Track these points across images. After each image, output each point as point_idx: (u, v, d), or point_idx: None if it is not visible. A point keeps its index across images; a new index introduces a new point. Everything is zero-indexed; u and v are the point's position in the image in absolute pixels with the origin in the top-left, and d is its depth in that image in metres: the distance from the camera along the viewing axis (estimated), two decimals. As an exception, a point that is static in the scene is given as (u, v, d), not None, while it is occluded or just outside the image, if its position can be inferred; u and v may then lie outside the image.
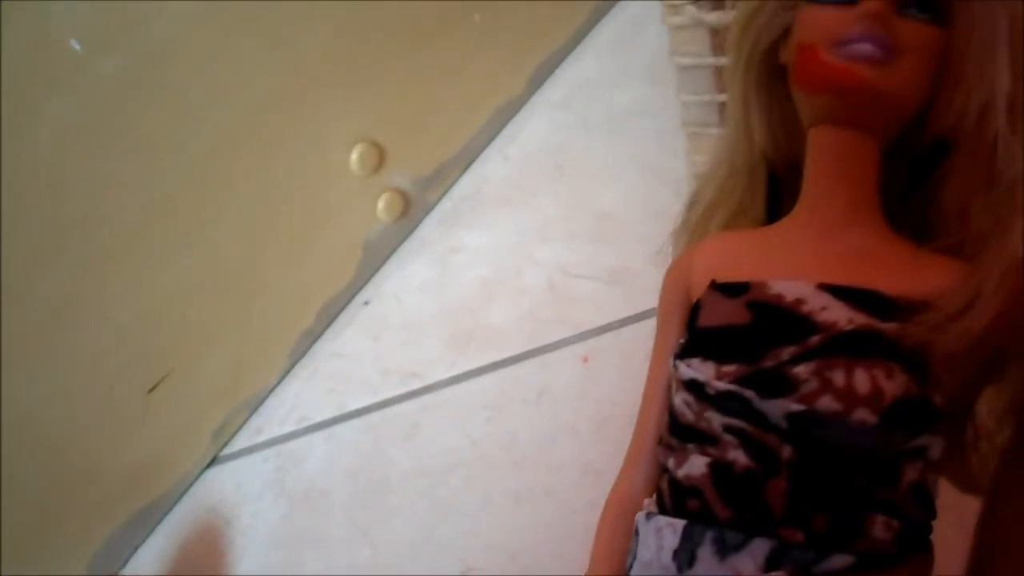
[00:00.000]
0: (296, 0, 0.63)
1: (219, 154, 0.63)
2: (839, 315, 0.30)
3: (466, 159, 0.78)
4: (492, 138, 0.79)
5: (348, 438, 0.67)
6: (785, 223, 0.35)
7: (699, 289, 0.35)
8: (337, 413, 0.69)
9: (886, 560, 0.29)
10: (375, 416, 0.68)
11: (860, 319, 0.30)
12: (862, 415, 0.29)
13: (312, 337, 0.73)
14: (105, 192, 0.59)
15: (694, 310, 0.34)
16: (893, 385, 0.29)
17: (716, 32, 0.60)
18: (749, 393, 0.30)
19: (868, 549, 0.29)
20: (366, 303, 0.74)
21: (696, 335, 0.33)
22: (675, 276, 0.37)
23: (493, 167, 0.78)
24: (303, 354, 0.72)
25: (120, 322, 0.62)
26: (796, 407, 0.30)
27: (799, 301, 0.31)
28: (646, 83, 0.77)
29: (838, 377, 0.30)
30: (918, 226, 0.35)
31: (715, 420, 0.31)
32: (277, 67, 0.64)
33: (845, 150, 0.33)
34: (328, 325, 0.73)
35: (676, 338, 0.35)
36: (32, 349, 0.58)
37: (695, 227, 0.40)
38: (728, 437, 0.31)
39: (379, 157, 0.71)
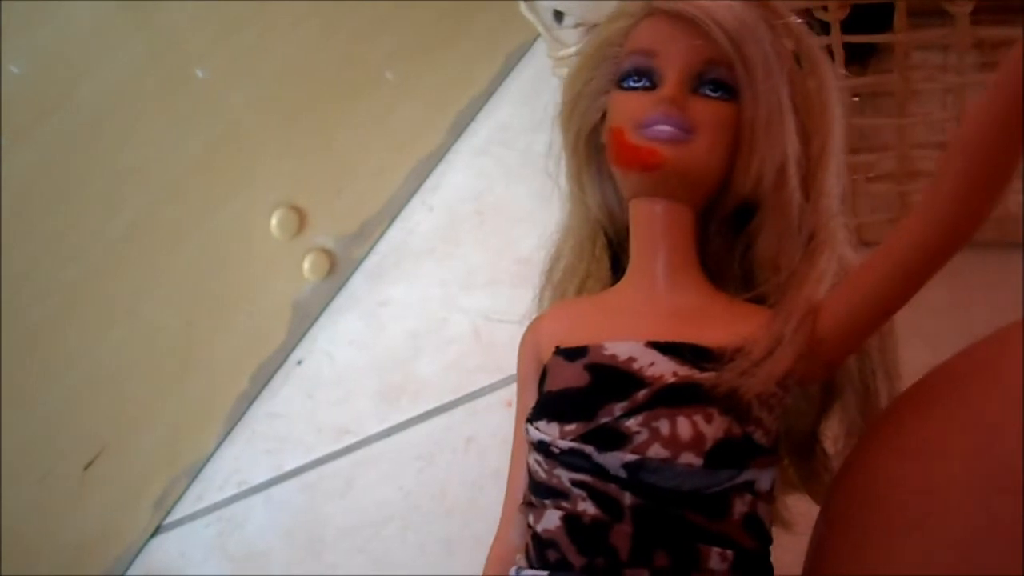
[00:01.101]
0: (202, 78, 0.65)
1: (139, 230, 0.65)
2: (665, 369, 0.33)
3: (390, 213, 0.79)
4: (415, 190, 0.80)
5: (285, 498, 0.68)
6: (619, 288, 0.38)
7: (547, 355, 0.37)
8: (274, 474, 0.70)
9: None
10: (311, 474, 0.69)
11: (683, 371, 0.33)
12: (688, 458, 0.32)
13: (248, 400, 0.74)
14: (28, 275, 0.60)
15: (543, 376, 0.37)
16: (713, 429, 0.32)
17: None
18: (589, 448, 0.33)
19: None
20: (299, 362, 0.75)
21: (543, 399, 0.36)
22: (527, 344, 0.40)
23: (418, 219, 0.79)
24: (240, 417, 0.74)
25: (51, 403, 0.63)
26: (630, 457, 0.32)
27: (630, 359, 0.34)
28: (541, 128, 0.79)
29: (664, 426, 0.32)
30: (741, 278, 0.38)
31: (564, 476, 0.34)
32: (189, 142, 0.66)
33: (661, 219, 0.36)
34: (263, 387, 0.75)
35: (531, 402, 0.38)
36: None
37: (555, 292, 0.42)
38: (577, 491, 0.33)
39: (299, 220, 0.73)
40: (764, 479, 0.34)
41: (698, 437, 0.32)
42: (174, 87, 0.64)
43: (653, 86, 0.35)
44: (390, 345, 0.73)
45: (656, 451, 0.32)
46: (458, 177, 0.81)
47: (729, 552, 0.32)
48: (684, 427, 0.32)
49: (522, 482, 0.37)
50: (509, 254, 0.74)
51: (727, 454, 0.32)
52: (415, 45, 0.77)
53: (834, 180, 0.36)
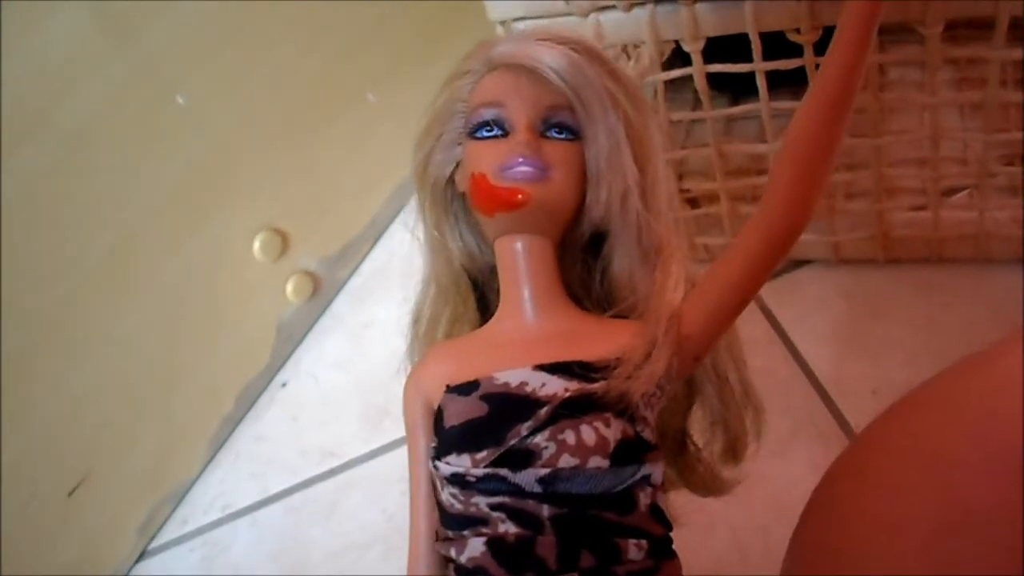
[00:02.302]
0: (186, 97, 0.65)
1: (120, 254, 0.65)
2: (556, 387, 0.36)
3: (373, 234, 0.80)
4: (397, 211, 0.81)
5: (271, 522, 0.68)
6: (493, 323, 0.40)
7: (436, 396, 0.39)
8: (259, 498, 0.70)
9: (646, 574, 0.35)
10: (296, 498, 0.69)
11: (574, 386, 0.36)
12: (596, 462, 0.35)
13: (232, 423, 0.74)
14: (8, 303, 0.60)
15: (438, 415, 0.38)
16: (612, 431, 0.35)
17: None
18: (504, 471, 0.35)
19: (629, 570, 0.35)
20: (284, 384, 0.76)
21: (446, 436, 0.37)
22: (411, 391, 0.41)
23: (400, 239, 0.80)
24: (224, 440, 0.74)
25: (34, 429, 0.63)
26: (543, 471, 0.35)
27: (523, 384, 0.36)
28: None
29: (570, 437, 0.35)
30: (604, 298, 0.41)
31: (482, 503, 0.36)
32: (170, 167, 0.66)
33: (525, 254, 0.39)
34: (248, 409, 0.75)
35: (426, 444, 0.39)
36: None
37: (423, 341, 0.45)
38: (496, 514, 0.36)
39: (282, 243, 0.73)
40: (657, 472, 0.37)
41: (602, 441, 0.35)
42: (154, 112, 0.65)
43: (505, 134, 0.39)
44: (374, 366, 0.73)
45: (566, 460, 0.35)
46: (441, 197, 0.81)
47: (644, 541, 0.35)
48: (588, 434, 0.35)
49: (426, 523, 0.39)
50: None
51: (627, 453, 0.35)
52: (395, 66, 0.78)
53: (667, 201, 0.40)
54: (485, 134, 0.39)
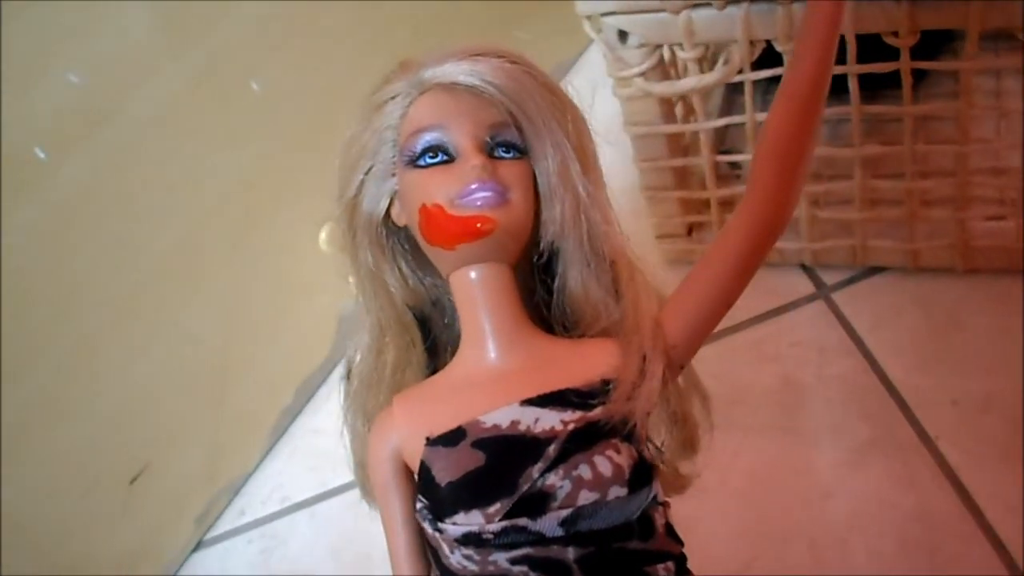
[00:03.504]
0: (255, 91, 0.65)
1: (189, 242, 0.65)
2: (552, 420, 0.34)
3: (434, 228, 0.79)
4: (459, 206, 0.80)
5: (330, 516, 0.68)
6: (459, 363, 0.37)
7: (410, 452, 0.36)
8: (319, 491, 0.69)
9: None
10: (356, 493, 0.68)
11: (569, 416, 0.34)
12: (615, 492, 0.33)
13: (292, 415, 0.73)
14: (76, 291, 0.59)
15: (425, 473, 0.35)
16: (624, 457, 0.34)
17: (665, 101, 0.62)
18: (523, 520, 0.33)
19: None
20: (343, 377, 0.75)
21: (444, 494, 0.34)
22: (378, 449, 0.37)
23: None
24: (283, 432, 0.73)
25: (98, 417, 0.62)
26: (564, 512, 0.33)
27: (514, 423, 0.34)
28: (602, 144, 0.78)
29: (585, 472, 0.33)
30: (567, 318, 0.39)
31: (501, 559, 0.33)
32: (242, 154, 0.66)
33: (488, 284, 0.36)
34: (307, 402, 0.74)
35: (403, 505, 0.37)
36: (13, 451, 0.58)
37: (360, 396, 0.42)
38: (518, 568, 0.33)
39: (348, 235, 0.72)
40: (659, 490, 0.36)
41: (618, 469, 0.33)
42: (229, 99, 0.64)
43: (451, 158, 0.36)
44: (435, 361, 0.72)
45: (585, 497, 0.33)
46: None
47: (670, 564, 0.34)
48: (603, 465, 0.33)
49: None
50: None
51: (640, 476, 0.34)
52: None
53: (610, 208, 0.38)
54: (429, 161, 0.36)
